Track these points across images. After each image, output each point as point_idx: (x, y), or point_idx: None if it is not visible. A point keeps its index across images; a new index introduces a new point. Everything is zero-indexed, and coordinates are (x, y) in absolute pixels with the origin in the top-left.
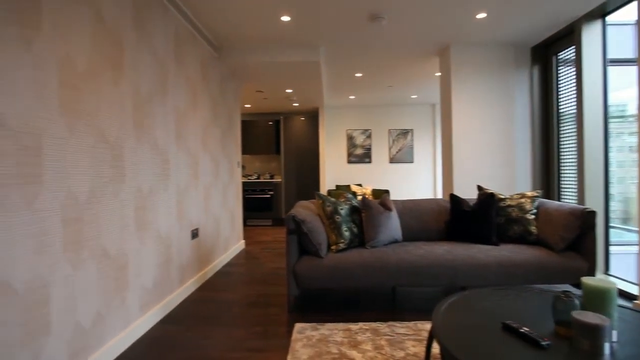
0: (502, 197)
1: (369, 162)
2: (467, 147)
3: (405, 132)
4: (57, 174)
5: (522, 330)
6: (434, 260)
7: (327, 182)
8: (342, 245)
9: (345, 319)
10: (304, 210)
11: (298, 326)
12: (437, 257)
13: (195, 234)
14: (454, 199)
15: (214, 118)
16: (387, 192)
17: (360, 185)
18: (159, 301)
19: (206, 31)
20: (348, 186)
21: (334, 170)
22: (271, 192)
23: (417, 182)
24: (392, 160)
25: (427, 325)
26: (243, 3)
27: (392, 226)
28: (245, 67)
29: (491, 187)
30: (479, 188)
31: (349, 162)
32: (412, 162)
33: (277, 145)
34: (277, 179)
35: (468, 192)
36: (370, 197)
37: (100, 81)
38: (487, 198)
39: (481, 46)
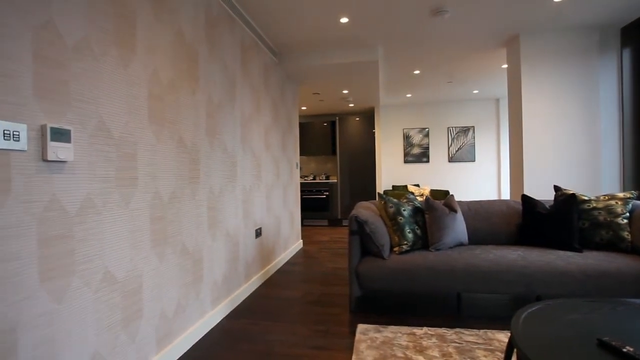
0: (586, 198)
1: (427, 161)
2: (540, 144)
3: (465, 130)
4: (148, 176)
5: (625, 350)
6: (506, 266)
7: (384, 182)
8: (405, 247)
9: (408, 323)
10: (366, 210)
11: (361, 327)
12: (509, 262)
13: (258, 233)
14: (527, 200)
15: (275, 121)
16: (447, 192)
17: (417, 185)
18: (227, 295)
19: (268, 39)
20: (405, 186)
21: (391, 170)
22: (327, 193)
23: (479, 182)
24: (452, 159)
25: (498, 335)
26: (303, 8)
27: (458, 228)
28: (303, 71)
29: (570, 188)
30: (557, 188)
31: (406, 161)
32: (473, 161)
33: (333, 146)
34: (333, 180)
35: (541, 193)
36: None
37: (180, 92)
38: (567, 199)
39: (556, 32)
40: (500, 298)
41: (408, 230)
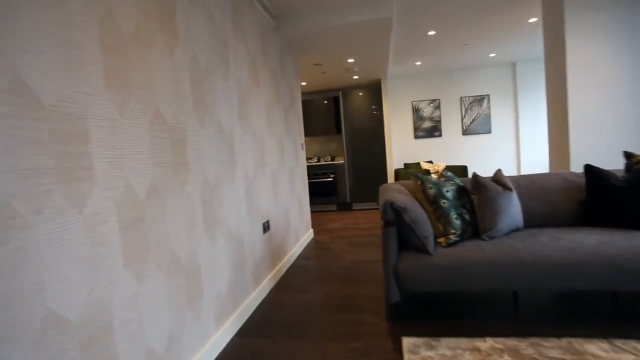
0: None
1: (439, 135)
2: (590, 103)
3: (480, 99)
4: (110, 165)
5: None
6: (586, 256)
7: (394, 160)
8: (453, 238)
9: (464, 332)
10: (400, 195)
11: (407, 342)
12: (589, 251)
13: (266, 227)
14: (593, 170)
15: (277, 96)
16: (464, 168)
17: (431, 162)
18: (235, 308)
19: None
20: (417, 164)
21: (400, 147)
22: (333, 175)
23: (497, 155)
24: (466, 131)
25: (588, 346)
26: None
27: (513, 211)
28: (305, 36)
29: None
30: (627, 155)
31: (416, 137)
32: (489, 132)
33: (337, 124)
34: (339, 161)
35: (594, 161)
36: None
37: (150, 47)
38: None
39: None
40: (569, 296)
41: (455, 216)
